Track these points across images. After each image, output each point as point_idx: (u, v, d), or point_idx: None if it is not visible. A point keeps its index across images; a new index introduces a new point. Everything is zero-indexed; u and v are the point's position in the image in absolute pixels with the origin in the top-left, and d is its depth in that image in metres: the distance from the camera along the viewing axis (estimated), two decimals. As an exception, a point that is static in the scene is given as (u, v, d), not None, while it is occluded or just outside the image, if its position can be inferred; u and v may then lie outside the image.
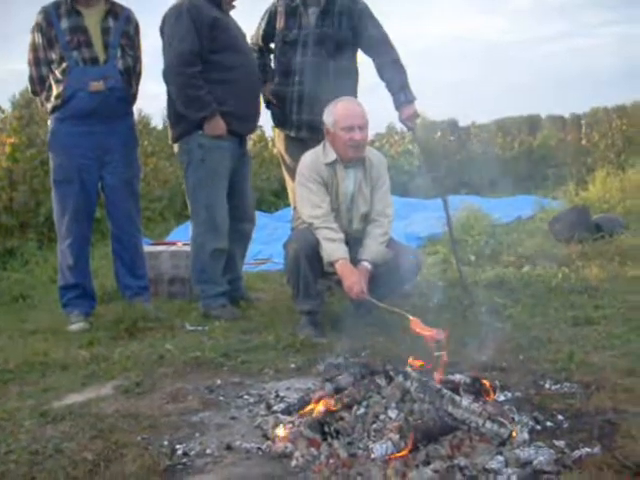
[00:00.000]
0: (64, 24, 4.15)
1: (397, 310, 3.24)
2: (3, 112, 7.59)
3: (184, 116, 4.26)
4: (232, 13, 4.44)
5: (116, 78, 4.25)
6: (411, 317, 2.97)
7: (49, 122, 4.34)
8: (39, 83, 4.27)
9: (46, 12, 4.18)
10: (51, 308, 4.74)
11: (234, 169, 4.41)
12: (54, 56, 4.16)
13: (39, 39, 4.19)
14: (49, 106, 4.24)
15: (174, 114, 4.36)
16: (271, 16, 4.53)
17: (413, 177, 9.87)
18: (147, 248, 5.08)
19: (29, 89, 4.41)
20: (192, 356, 3.45)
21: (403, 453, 2.18)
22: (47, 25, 4.16)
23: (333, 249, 3.64)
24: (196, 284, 4.47)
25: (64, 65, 4.14)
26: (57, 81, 4.18)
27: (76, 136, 4.21)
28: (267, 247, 6.66)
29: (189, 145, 4.32)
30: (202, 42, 4.15)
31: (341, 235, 3.71)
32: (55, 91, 4.19)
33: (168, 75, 4.24)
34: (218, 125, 4.22)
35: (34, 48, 4.22)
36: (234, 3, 4.40)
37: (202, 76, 4.16)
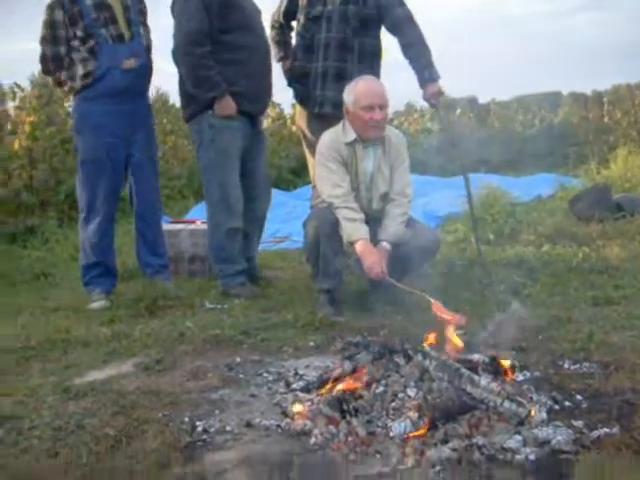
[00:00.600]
0: (88, 0, 4.11)
1: (417, 292, 3.24)
2: (22, 91, 7.62)
3: (194, 96, 4.26)
4: None
5: (144, 55, 4.29)
6: (432, 300, 2.97)
7: (72, 102, 4.28)
8: (54, 61, 4.18)
9: None
10: (72, 286, 4.79)
11: (246, 148, 4.41)
12: (79, 33, 4.10)
13: (60, 16, 4.10)
14: (75, 85, 4.17)
15: (185, 94, 4.37)
16: None
17: (432, 155, 9.79)
18: (167, 226, 5.12)
19: (40, 68, 4.30)
20: (212, 334, 3.48)
21: (421, 431, 2.20)
22: (70, 1, 4.08)
23: (353, 229, 3.64)
24: (214, 263, 4.50)
25: (91, 43, 4.10)
26: (84, 60, 4.13)
27: (106, 115, 4.19)
28: (286, 225, 6.67)
29: (200, 125, 4.32)
30: (212, 21, 4.13)
31: (361, 215, 3.70)
32: (82, 70, 4.13)
33: (177, 55, 4.24)
34: (228, 105, 4.21)
35: (52, 25, 4.11)
36: None
37: (213, 56, 4.16)
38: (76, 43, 4.14)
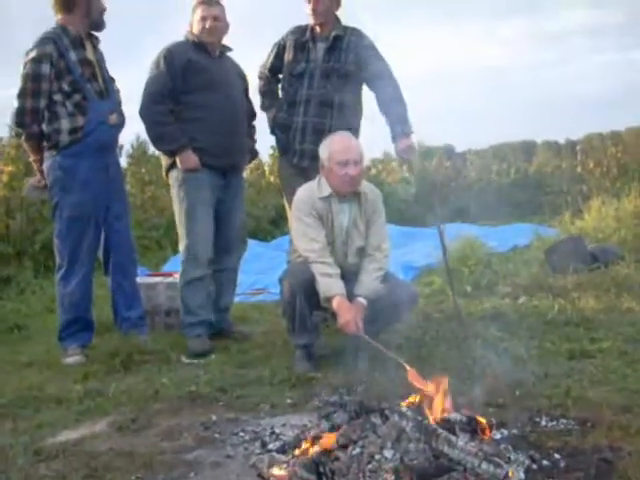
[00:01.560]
0: (73, 56, 4.14)
1: (393, 356, 3.22)
2: (1, 140, 7.61)
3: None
4: (233, 53, 4.63)
5: (121, 110, 4.41)
6: (408, 367, 2.95)
7: (53, 157, 4.20)
8: (32, 115, 4.12)
9: (55, 42, 4.10)
10: (47, 339, 4.72)
11: (219, 200, 4.47)
12: (65, 87, 4.11)
13: (46, 70, 4.06)
14: (63, 139, 4.15)
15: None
16: (279, 49, 4.66)
17: (410, 205, 9.89)
18: (143, 279, 5.11)
19: (15, 121, 4.19)
20: (187, 391, 3.44)
21: (398, 495, 2.17)
22: (58, 56, 4.09)
23: (329, 284, 3.65)
24: (182, 313, 4.48)
25: (77, 98, 4.14)
26: (71, 114, 4.14)
27: (92, 170, 4.21)
28: (263, 277, 6.64)
29: (171, 179, 4.45)
30: (175, 84, 4.29)
31: (337, 270, 3.71)
32: (69, 125, 4.14)
33: (140, 114, 4.38)
34: (189, 159, 4.30)
35: (35, 78, 4.06)
36: (227, 44, 4.54)
37: (176, 115, 4.32)
38: (59, 97, 4.13)
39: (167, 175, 4.50)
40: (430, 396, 2.64)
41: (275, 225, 10.08)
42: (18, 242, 7.08)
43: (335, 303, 3.62)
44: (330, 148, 3.80)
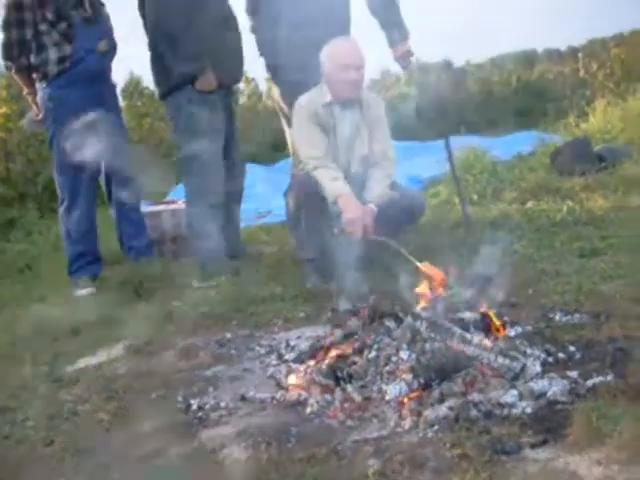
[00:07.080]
0: None
1: (404, 253, 3.20)
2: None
3: (170, 72, 4.11)
4: None
5: (112, 37, 4.26)
6: (415, 260, 2.95)
7: (44, 89, 4.13)
8: (19, 46, 4.04)
9: None
10: (57, 276, 4.72)
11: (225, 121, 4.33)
12: (49, 16, 3.99)
13: None
14: (50, 70, 4.06)
15: (161, 71, 4.22)
16: None
17: (410, 120, 9.70)
18: (148, 208, 5.07)
19: (2, 54, 4.11)
20: (201, 312, 3.46)
21: (417, 393, 2.19)
22: None
23: (335, 187, 3.56)
24: (193, 240, 4.38)
25: (63, 26, 4.01)
26: (57, 43, 4.03)
27: (83, 100, 4.09)
28: (267, 200, 6.61)
29: (178, 100, 4.18)
30: None
31: (341, 174, 3.64)
32: (56, 54, 4.04)
33: (159, 29, 4.08)
34: (210, 79, 4.09)
35: (18, 7, 3.97)
36: None
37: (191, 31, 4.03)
38: (44, 27, 4.02)
39: (166, 95, 4.23)
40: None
41: (275, 150, 9.97)
42: (20, 184, 7.05)
43: (342, 201, 3.51)
44: (331, 53, 3.69)
